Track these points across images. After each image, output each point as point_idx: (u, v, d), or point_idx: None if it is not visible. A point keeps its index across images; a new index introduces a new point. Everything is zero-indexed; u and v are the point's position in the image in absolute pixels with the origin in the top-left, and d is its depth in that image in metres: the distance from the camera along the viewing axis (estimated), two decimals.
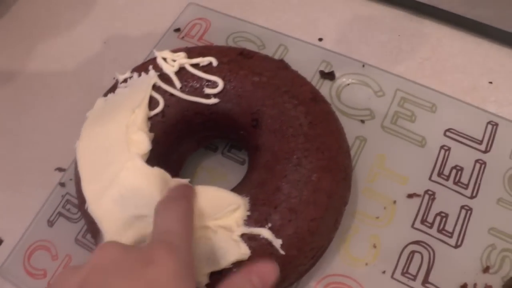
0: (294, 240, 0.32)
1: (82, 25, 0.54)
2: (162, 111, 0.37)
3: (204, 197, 0.32)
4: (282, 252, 0.31)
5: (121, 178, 0.33)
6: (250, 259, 0.31)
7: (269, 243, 0.31)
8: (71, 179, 0.43)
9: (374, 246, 0.37)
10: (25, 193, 0.44)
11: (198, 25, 0.50)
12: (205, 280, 0.31)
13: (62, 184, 0.43)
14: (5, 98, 0.50)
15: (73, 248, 0.41)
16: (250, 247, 0.31)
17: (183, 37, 0.50)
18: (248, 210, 0.32)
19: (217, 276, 0.31)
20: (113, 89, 0.39)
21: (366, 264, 0.37)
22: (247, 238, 0.31)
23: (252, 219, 0.32)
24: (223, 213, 0.32)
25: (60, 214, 0.42)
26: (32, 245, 0.41)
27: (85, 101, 0.41)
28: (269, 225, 0.32)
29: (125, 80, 0.39)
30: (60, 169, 0.44)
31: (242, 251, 0.31)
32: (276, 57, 0.46)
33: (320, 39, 0.48)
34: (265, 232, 0.31)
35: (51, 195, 0.43)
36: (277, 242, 0.31)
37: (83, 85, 0.50)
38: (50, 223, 0.42)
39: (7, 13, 0.56)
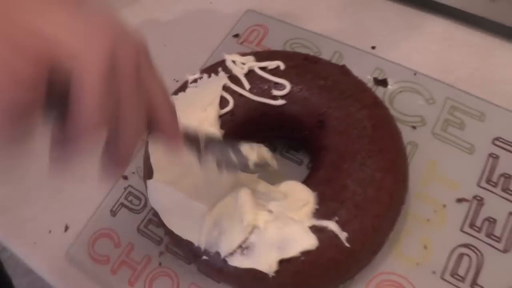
0: (359, 235, 0.34)
1: (142, 29, 0.56)
2: (232, 110, 0.39)
3: (279, 190, 0.34)
4: (347, 244, 0.33)
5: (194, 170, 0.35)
6: (318, 250, 0.33)
7: (335, 236, 0.33)
8: (133, 173, 0.45)
9: (425, 247, 0.39)
10: (90, 185, 0.46)
11: (256, 31, 0.52)
12: (274, 266, 0.33)
13: (125, 177, 0.46)
14: None
15: (135, 236, 0.43)
16: (318, 238, 0.33)
17: (242, 42, 0.52)
18: (316, 204, 0.34)
19: (286, 263, 0.33)
20: (183, 88, 0.42)
21: (417, 264, 0.38)
22: (316, 230, 0.34)
23: (320, 213, 0.34)
24: (295, 206, 0.34)
25: (122, 204, 0.44)
26: (96, 232, 0.43)
27: None
28: (336, 218, 0.34)
29: (195, 80, 0.41)
30: None
31: (311, 241, 0.33)
32: None
33: (373, 47, 0.50)
34: (332, 225, 0.33)
35: (114, 187, 0.45)
36: (343, 235, 0.33)
37: None
38: (113, 213, 0.44)
39: None
